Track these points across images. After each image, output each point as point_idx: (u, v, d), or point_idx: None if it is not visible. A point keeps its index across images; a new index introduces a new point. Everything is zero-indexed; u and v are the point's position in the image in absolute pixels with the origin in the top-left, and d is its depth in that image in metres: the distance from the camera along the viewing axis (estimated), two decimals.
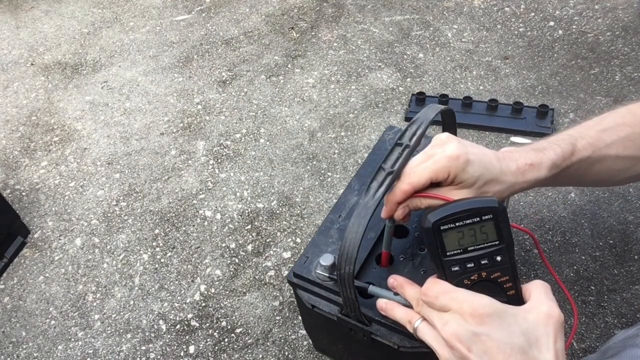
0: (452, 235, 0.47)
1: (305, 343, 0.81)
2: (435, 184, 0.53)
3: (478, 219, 0.46)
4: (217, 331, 0.84)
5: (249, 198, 1.03)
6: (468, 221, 0.46)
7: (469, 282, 0.47)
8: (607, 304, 0.81)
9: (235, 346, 0.82)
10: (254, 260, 0.93)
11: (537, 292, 0.46)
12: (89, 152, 1.16)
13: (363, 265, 0.61)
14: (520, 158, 0.54)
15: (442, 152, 0.51)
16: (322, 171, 1.06)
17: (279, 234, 0.96)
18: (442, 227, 0.46)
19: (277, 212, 1.00)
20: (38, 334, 0.87)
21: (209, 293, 0.89)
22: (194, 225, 0.99)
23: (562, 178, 0.58)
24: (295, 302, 0.84)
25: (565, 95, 1.14)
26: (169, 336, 0.84)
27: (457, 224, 0.46)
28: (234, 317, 0.86)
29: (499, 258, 0.47)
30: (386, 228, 0.58)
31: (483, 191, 0.52)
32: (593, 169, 0.59)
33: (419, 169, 0.51)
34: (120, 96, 1.29)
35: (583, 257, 0.86)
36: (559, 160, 0.55)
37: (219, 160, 1.11)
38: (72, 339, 0.85)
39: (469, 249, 0.47)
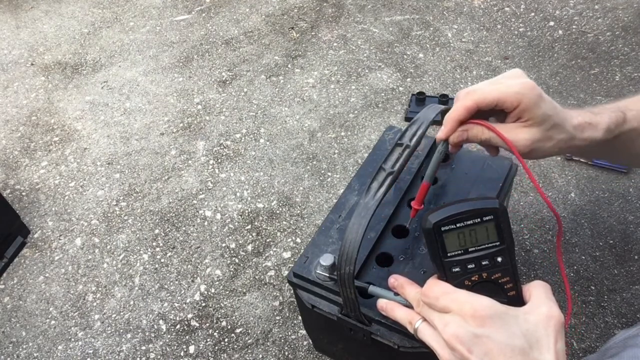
0: (453, 236, 0.47)
1: (305, 343, 0.81)
2: (498, 113, 0.50)
3: (479, 219, 0.46)
4: (217, 331, 0.84)
5: (249, 198, 1.03)
6: (469, 222, 0.46)
7: (469, 283, 0.47)
8: (607, 304, 0.81)
9: (235, 346, 0.82)
10: (254, 260, 0.93)
11: (538, 293, 0.46)
12: (89, 152, 1.16)
13: (363, 265, 0.61)
14: (579, 115, 0.52)
15: (517, 80, 0.48)
16: (322, 171, 1.06)
17: (279, 234, 0.96)
18: (442, 228, 0.46)
19: (277, 212, 1.00)
20: (38, 334, 0.87)
21: (209, 293, 0.89)
22: (194, 225, 0.99)
23: (611, 147, 0.56)
24: (295, 302, 0.84)
25: (565, 95, 1.14)
26: (169, 336, 0.84)
27: (457, 224, 0.46)
28: (234, 317, 0.86)
29: (499, 259, 0.47)
30: (436, 153, 0.54)
31: (549, 135, 0.49)
32: (638, 141, 0.57)
33: (488, 87, 0.48)
34: (120, 96, 1.29)
35: (583, 257, 0.86)
36: (612, 125, 0.54)
37: (219, 160, 1.11)
38: (72, 339, 0.85)
39: (470, 249, 0.47)
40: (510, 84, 0.48)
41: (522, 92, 0.47)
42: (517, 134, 0.49)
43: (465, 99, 0.49)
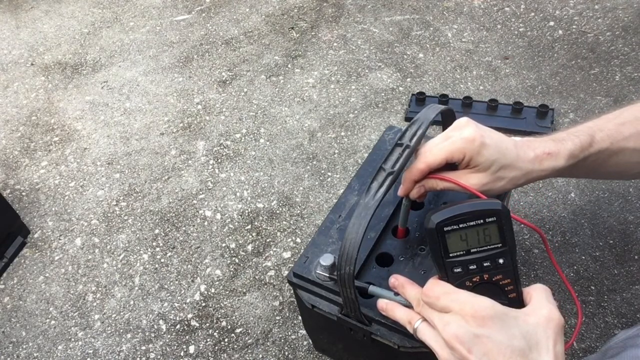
0: (455, 237, 0.47)
1: (305, 343, 0.81)
2: (451, 166, 0.54)
3: (482, 221, 0.46)
4: (217, 331, 0.84)
5: (249, 198, 1.03)
6: (472, 223, 0.46)
7: (470, 284, 0.47)
8: (607, 304, 0.81)
9: (235, 346, 0.82)
10: (254, 260, 0.93)
11: (538, 295, 0.46)
12: (89, 152, 1.16)
13: (363, 265, 0.61)
14: (538, 147, 0.55)
15: (460, 134, 0.52)
16: (322, 171, 1.06)
17: (279, 234, 0.96)
18: (445, 229, 0.46)
19: (277, 212, 1.00)
20: (38, 334, 0.87)
21: (209, 293, 0.89)
22: (194, 225, 0.99)
23: (579, 169, 0.58)
24: (295, 302, 0.84)
25: (565, 95, 1.14)
26: (169, 336, 0.84)
27: (460, 225, 0.46)
28: (234, 317, 0.86)
29: (501, 261, 0.47)
30: (402, 206, 0.60)
31: (498, 176, 0.53)
32: (610, 161, 0.59)
33: (436, 149, 0.53)
34: (120, 96, 1.29)
35: (583, 257, 0.86)
36: (577, 151, 0.56)
37: (219, 160, 1.11)
38: (72, 339, 0.85)
39: (472, 250, 0.47)
40: (455, 139, 0.52)
41: (464, 146, 0.52)
42: (467, 179, 0.53)
43: (419, 161, 0.54)
